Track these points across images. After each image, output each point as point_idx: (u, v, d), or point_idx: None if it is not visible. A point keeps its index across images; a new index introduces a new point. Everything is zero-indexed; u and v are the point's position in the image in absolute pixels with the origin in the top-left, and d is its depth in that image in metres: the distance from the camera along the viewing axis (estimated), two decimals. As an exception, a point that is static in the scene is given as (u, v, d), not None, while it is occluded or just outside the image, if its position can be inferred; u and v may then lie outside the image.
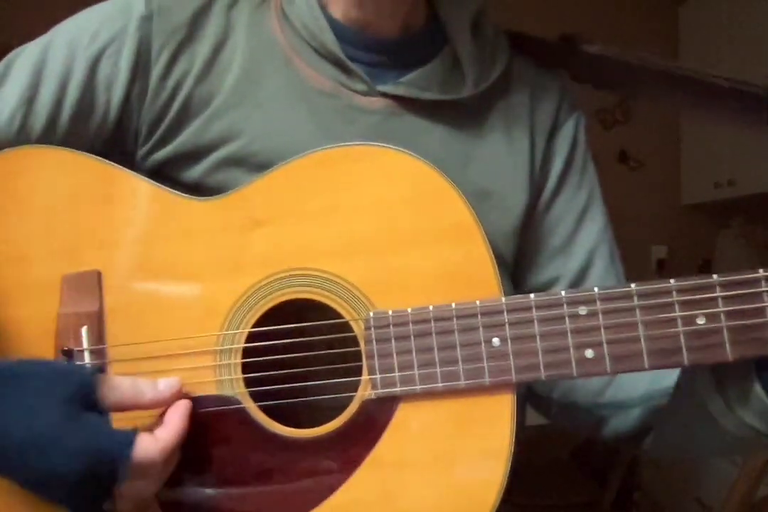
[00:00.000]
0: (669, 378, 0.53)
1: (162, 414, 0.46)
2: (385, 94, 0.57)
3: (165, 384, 0.46)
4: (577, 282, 0.60)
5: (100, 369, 0.45)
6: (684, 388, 0.49)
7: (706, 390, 0.45)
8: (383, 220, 0.48)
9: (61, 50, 0.55)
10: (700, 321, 0.41)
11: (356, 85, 0.57)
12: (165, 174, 0.56)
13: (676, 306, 0.41)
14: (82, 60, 0.55)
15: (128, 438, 0.42)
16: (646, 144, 2.51)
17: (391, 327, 0.46)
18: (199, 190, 0.55)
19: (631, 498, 1.54)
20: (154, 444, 0.42)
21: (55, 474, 0.40)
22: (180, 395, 0.46)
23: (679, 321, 0.41)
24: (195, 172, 0.56)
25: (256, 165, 0.55)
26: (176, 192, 0.53)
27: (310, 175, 0.50)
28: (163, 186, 0.53)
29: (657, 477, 1.77)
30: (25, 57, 0.56)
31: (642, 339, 0.41)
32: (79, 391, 0.42)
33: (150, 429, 0.44)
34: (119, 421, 0.44)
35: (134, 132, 0.57)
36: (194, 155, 0.56)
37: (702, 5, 2.66)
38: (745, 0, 2.33)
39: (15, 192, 0.54)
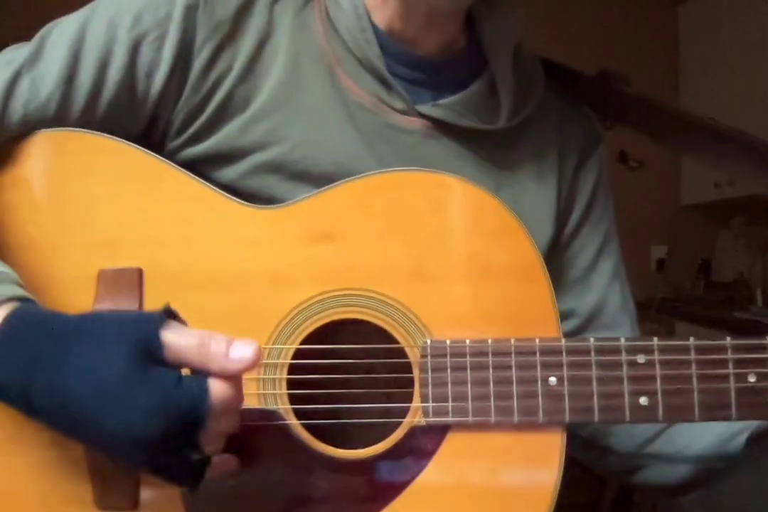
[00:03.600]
0: (733, 443, 0.54)
1: None
2: (422, 115, 0.57)
3: (238, 355, 0.41)
4: (591, 317, 0.61)
5: (170, 314, 0.42)
6: (750, 457, 0.51)
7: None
8: (449, 250, 0.49)
9: (100, 29, 0.53)
10: (751, 379, 0.44)
11: (395, 103, 0.57)
12: (197, 171, 0.55)
13: (730, 364, 0.44)
14: (123, 42, 0.53)
15: (201, 384, 0.40)
16: (646, 144, 2.54)
17: (448, 357, 0.47)
18: (231, 192, 0.54)
19: (631, 498, 1.59)
20: (227, 384, 0.41)
21: (132, 435, 0.38)
22: (251, 369, 0.42)
23: (732, 378, 0.44)
24: (229, 174, 0.55)
25: (294, 173, 0.55)
26: (229, 196, 0.52)
27: (379, 195, 0.50)
28: (215, 188, 0.52)
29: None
30: (60, 33, 0.53)
31: (695, 392, 0.44)
32: (145, 343, 0.40)
33: None
34: None
35: (165, 123, 0.56)
36: (230, 156, 0.55)
37: (702, 5, 2.69)
38: (745, 0, 2.37)
39: (51, 174, 0.53)
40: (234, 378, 0.41)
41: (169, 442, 0.39)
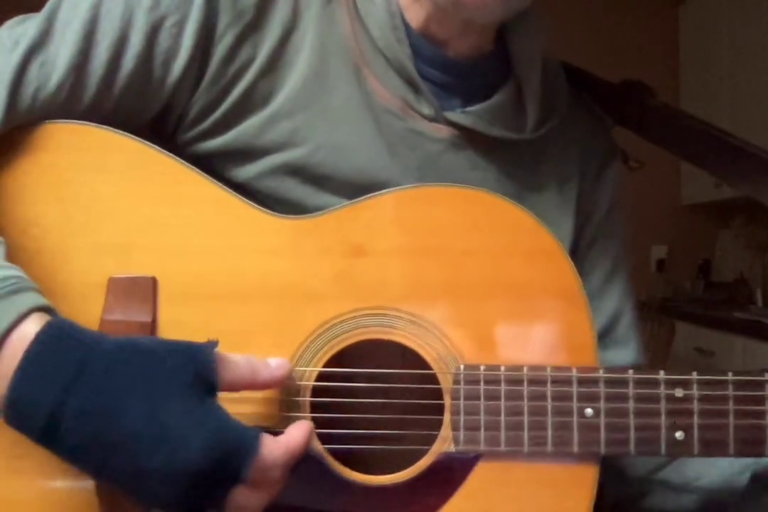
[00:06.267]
0: (741, 478, 0.57)
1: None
2: (450, 122, 0.59)
3: (277, 364, 0.47)
4: (604, 333, 0.64)
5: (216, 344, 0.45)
6: (755, 492, 0.56)
7: None
8: (484, 269, 0.52)
9: (116, 8, 0.53)
10: (786, 416, 0.47)
11: (423, 109, 0.58)
12: (208, 167, 0.56)
13: (766, 401, 0.47)
14: (140, 26, 0.53)
15: (255, 431, 0.43)
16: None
17: (482, 384, 0.50)
18: (244, 191, 0.55)
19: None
20: (278, 445, 0.43)
21: (172, 469, 0.39)
22: (290, 377, 0.49)
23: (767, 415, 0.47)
24: (245, 172, 0.57)
25: (313, 176, 0.56)
26: (252, 203, 0.54)
27: (413, 209, 0.52)
28: (236, 194, 0.54)
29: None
30: (71, 9, 0.52)
31: (731, 428, 0.47)
32: (201, 374, 0.42)
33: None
34: None
35: (179, 114, 0.56)
36: (247, 154, 0.56)
37: (702, 5, 2.85)
38: (745, 0, 2.49)
39: (59, 170, 0.52)
40: (286, 450, 0.44)
41: (206, 481, 0.40)
